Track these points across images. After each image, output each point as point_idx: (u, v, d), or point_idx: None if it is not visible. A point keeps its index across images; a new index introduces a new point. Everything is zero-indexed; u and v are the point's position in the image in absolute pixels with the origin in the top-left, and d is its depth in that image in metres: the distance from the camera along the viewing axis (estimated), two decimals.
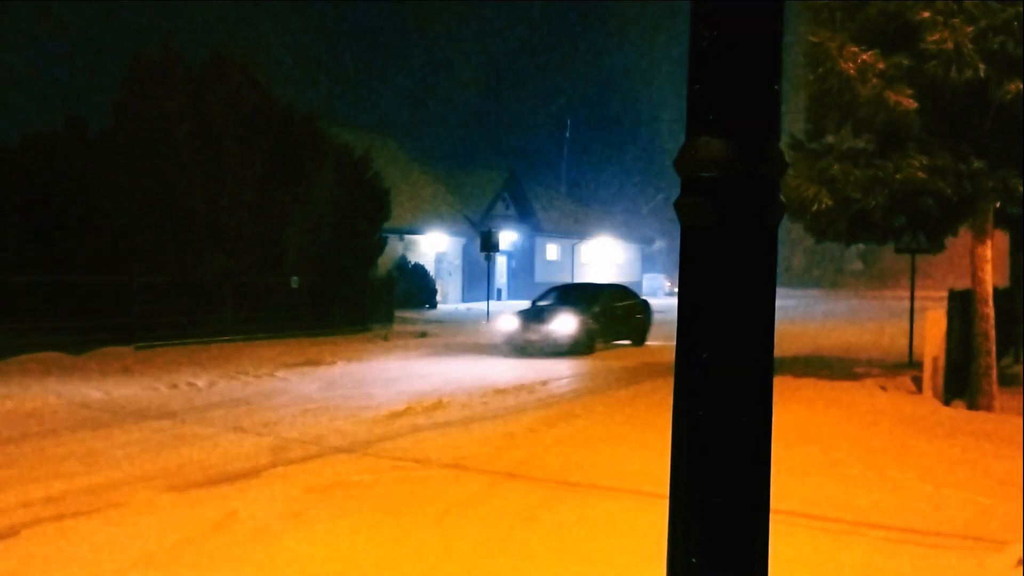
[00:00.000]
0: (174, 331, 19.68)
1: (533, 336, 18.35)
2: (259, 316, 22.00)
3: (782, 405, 9.76)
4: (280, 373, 15.22)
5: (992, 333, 11.67)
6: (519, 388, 13.37)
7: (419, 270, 34.12)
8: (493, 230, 29.70)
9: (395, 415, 10.95)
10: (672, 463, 1.34)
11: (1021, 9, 10.03)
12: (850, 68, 10.73)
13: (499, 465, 7.93)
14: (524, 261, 44.15)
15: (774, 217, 1.31)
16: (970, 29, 10.10)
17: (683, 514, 1.31)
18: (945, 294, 12.99)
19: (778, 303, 1.35)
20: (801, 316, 32.40)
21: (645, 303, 22.27)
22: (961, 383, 12.14)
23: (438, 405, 11.61)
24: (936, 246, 14.79)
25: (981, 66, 10.14)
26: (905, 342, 16.81)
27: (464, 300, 39.59)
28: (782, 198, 1.33)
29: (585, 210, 52.36)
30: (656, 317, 23.03)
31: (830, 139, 12.74)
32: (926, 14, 10.35)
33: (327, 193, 23.19)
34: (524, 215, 44.21)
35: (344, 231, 24.11)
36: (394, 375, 14.99)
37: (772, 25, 1.30)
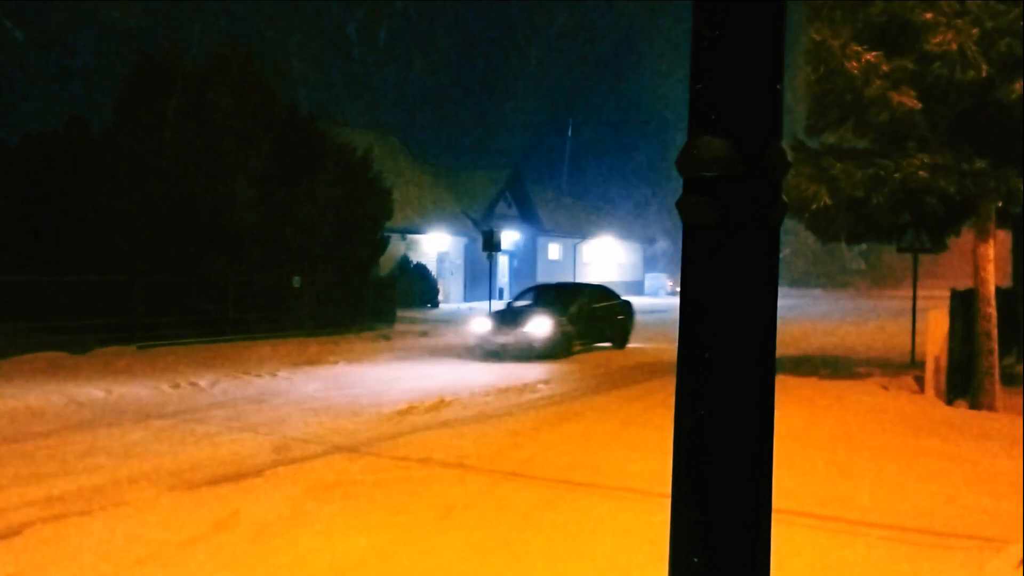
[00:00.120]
0: (176, 331, 19.70)
1: (506, 339, 17.61)
2: (261, 316, 22.02)
3: (784, 405, 9.77)
4: (282, 373, 15.23)
5: (994, 332, 11.66)
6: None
7: (421, 270, 34.13)
8: (495, 229, 29.68)
9: (400, 414, 10.95)
10: (674, 462, 1.34)
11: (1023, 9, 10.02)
12: (854, 67, 10.72)
13: (501, 464, 7.93)
14: (526, 261, 44.15)
15: (776, 217, 1.31)
16: (976, 31, 10.08)
17: (685, 513, 1.31)
18: (947, 294, 12.98)
19: (780, 303, 1.35)
20: (803, 316, 32.39)
21: (627, 304, 21.51)
22: (963, 383, 12.13)
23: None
24: (938, 245, 14.78)
25: (985, 67, 10.12)
26: (907, 342, 16.80)
27: (466, 300, 39.60)
28: (784, 197, 1.33)
29: (587, 210, 52.38)
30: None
31: (831, 138, 12.74)
32: (928, 15, 10.33)
33: (329, 192, 23.19)
34: (526, 215, 44.21)
35: (346, 230, 24.11)
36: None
37: (774, 24, 1.30)
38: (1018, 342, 16.17)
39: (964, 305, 12.36)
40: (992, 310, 11.67)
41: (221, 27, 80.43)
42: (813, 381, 13.03)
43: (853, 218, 12.36)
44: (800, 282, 62.03)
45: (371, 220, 25.35)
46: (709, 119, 1.29)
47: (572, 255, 47.53)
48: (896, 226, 13.62)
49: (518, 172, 45.12)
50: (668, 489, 1.35)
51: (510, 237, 40.55)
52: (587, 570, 5.24)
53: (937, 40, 10.19)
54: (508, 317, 18.31)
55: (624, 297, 22.18)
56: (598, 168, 79.93)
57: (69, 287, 18.51)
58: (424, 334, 23.87)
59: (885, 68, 10.74)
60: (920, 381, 12.80)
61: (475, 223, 39.75)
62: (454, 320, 28.05)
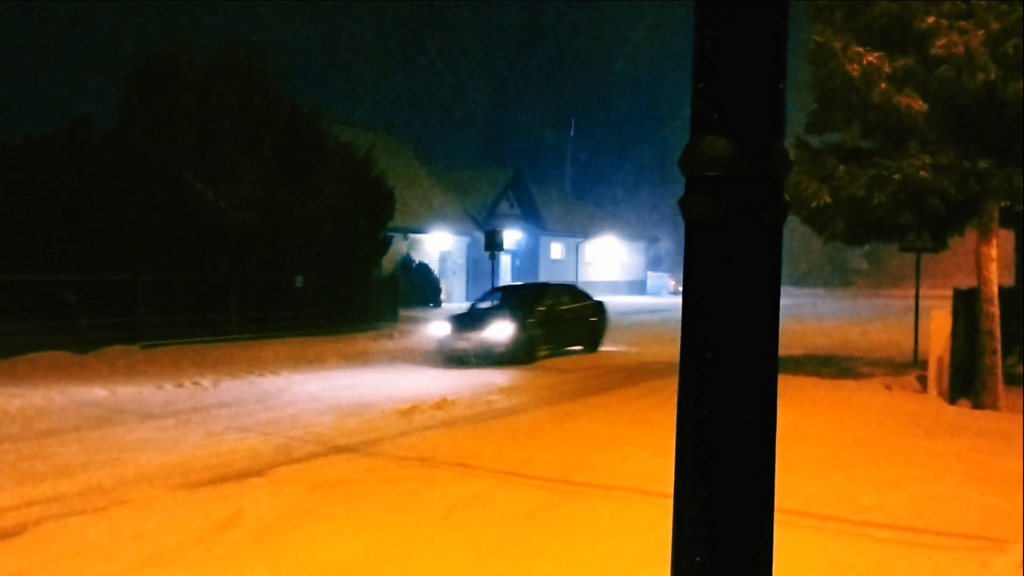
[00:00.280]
0: (179, 330, 19.71)
1: (466, 344, 16.60)
2: (264, 315, 22.03)
3: (787, 404, 9.75)
4: (285, 372, 15.25)
5: (997, 332, 11.65)
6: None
7: (423, 269, 34.13)
8: (497, 229, 29.66)
9: (402, 413, 10.96)
10: (676, 462, 1.34)
11: None
12: (854, 69, 10.70)
13: (503, 464, 7.94)
14: (528, 260, 44.14)
15: (779, 216, 1.31)
16: (981, 32, 10.05)
17: (687, 513, 1.32)
18: (950, 293, 12.97)
19: (783, 302, 1.35)
20: (806, 315, 32.37)
21: (599, 305, 20.36)
22: (966, 382, 12.12)
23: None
24: (941, 245, 14.77)
25: (994, 68, 10.10)
26: (910, 341, 16.79)
27: (468, 299, 39.48)
28: (786, 196, 1.34)
29: (589, 209, 52.35)
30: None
31: (835, 137, 12.73)
32: (930, 19, 10.31)
33: (331, 192, 23.19)
34: (528, 214, 44.20)
35: (348, 230, 24.11)
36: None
37: (777, 24, 1.30)
38: (1021, 341, 16.14)
39: (967, 305, 12.35)
40: (995, 309, 11.66)
41: (222, 26, 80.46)
42: (816, 380, 13.02)
43: (854, 217, 12.35)
44: (803, 281, 61.97)
45: (373, 219, 25.34)
46: (712, 118, 1.29)
47: (575, 254, 47.52)
48: (898, 226, 13.61)
49: (520, 172, 45.09)
50: (668, 489, 1.35)
51: (512, 236, 40.53)
52: (589, 569, 5.24)
53: (943, 43, 10.16)
54: (468, 321, 17.30)
55: (597, 297, 21.23)
56: (600, 167, 79.92)
57: (72, 287, 18.53)
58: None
59: (887, 69, 10.72)
60: (923, 381, 12.79)
61: (477, 222, 39.75)
62: None
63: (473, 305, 19.64)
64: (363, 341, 21.30)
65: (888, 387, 12.79)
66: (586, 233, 48.10)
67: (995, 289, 11.74)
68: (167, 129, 20.20)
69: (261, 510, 6.45)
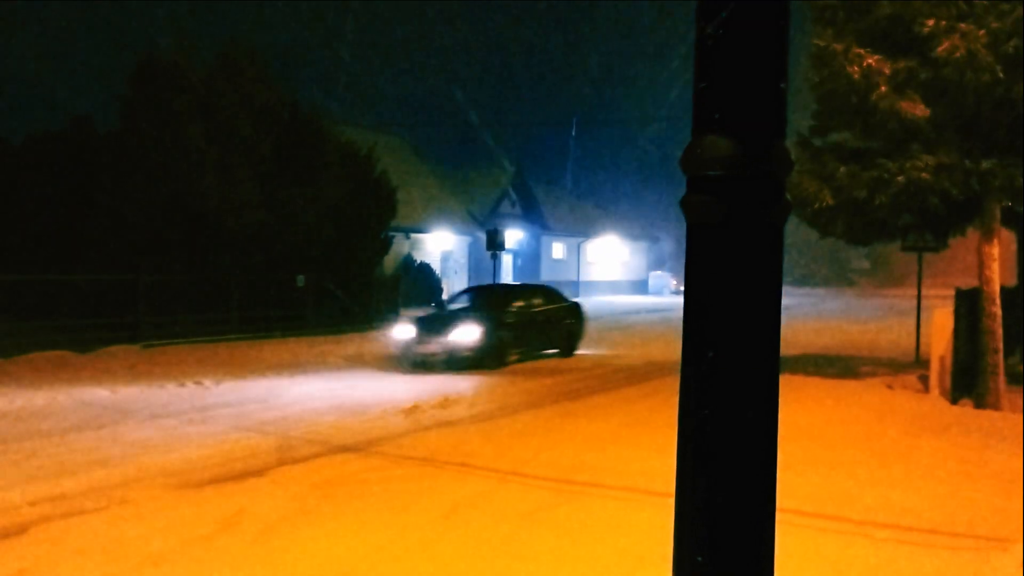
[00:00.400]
0: (180, 330, 19.73)
1: (430, 347, 15.75)
2: (265, 315, 22.04)
3: (788, 403, 9.75)
4: (286, 371, 15.25)
5: (999, 332, 11.64)
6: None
7: (425, 269, 34.12)
8: (499, 228, 29.65)
9: (404, 412, 10.97)
10: (678, 461, 1.34)
11: None
12: (855, 71, 10.69)
13: (504, 463, 7.94)
14: (530, 259, 44.12)
15: (780, 215, 1.31)
16: (982, 33, 10.03)
17: (689, 512, 1.32)
18: (952, 293, 12.96)
19: (784, 302, 1.35)
20: (808, 315, 32.36)
21: (576, 306, 19.57)
22: (968, 382, 12.11)
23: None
24: (942, 245, 14.75)
25: (999, 68, 10.08)
26: (912, 340, 16.78)
27: None
28: (788, 196, 1.34)
29: (591, 208, 52.31)
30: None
31: (837, 137, 12.72)
32: (931, 22, 10.29)
33: (333, 191, 23.20)
34: (530, 213, 44.19)
35: (350, 230, 24.12)
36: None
37: (778, 24, 1.30)
38: (1022, 341, 16.13)
39: (969, 304, 12.34)
40: (997, 309, 11.65)
41: (223, 25, 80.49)
42: (817, 380, 13.01)
43: (855, 218, 12.34)
44: (804, 281, 61.96)
45: (375, 219, 25.35)
46: (713, 118, 1.29)
47: (576, 254, 47.50)
48: (899, 225, 13.60)
49: (522, 171, 45.08)
50: (669, 488, 1.35)
51: (514, 236, 40.54)
52: (590, 569, 5.24)
53: (945, 47, 10.14)
54: (434, 323, 16.41)
55: (573, 299, 20.31)
56: (602, 167, 79.90)
57: (74, 286, 18.55)
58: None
59: (887, 71, 10.71)
60: (925, 380, 12.78)
61: (479, 222, 39.75)
62: None
63: (440, 307, 19.00)
64: (359, 342, 21.29)
65: (890, 387, 12.78)
66: (588, 233, 48.08)
67: (997, 289, 11.73)
68: (169, 129, 20.21)
69: (263, 510, 6.46)
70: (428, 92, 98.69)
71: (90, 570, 5.24)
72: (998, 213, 11.65)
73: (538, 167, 64.22)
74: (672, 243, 61.38)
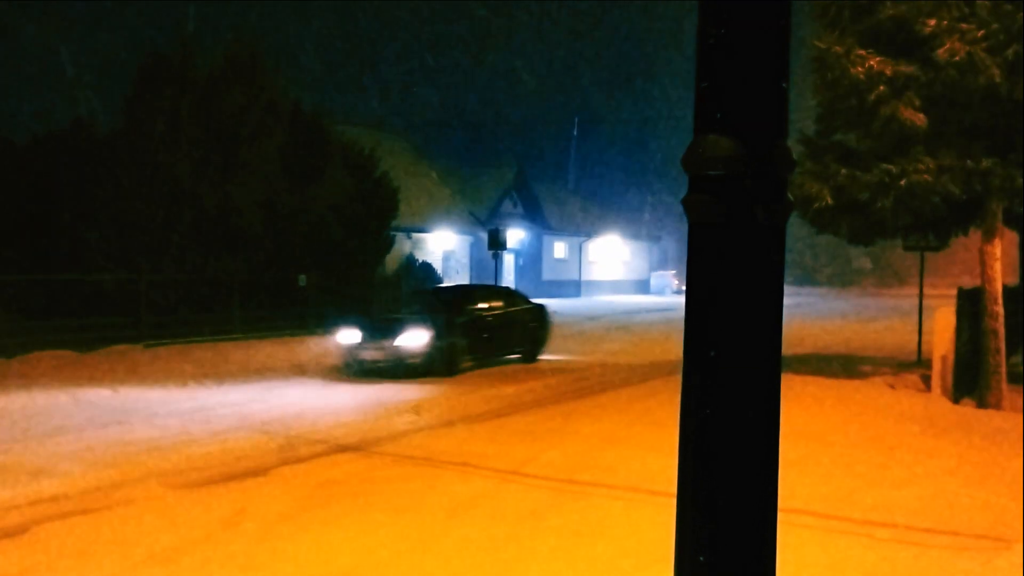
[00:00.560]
0: (183, 329, 19.73)
1: (375, 353, 14.70)
2: (267, 315, 22.04)
3: (790, 403, 9.74)
4: (287, 371, 15.25)
5: (1001, 331, 11.63)
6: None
7: (427, 268, 34.09)
8: (500, 228, 29.61)
9: (403, 413, 10.97)
10: (680, 461, 1.34)
11: None
12: (859, 73, 10.68)
13: (505, 463, 7.94)
14: (532, 259, 44.09)
15: (782, 215, 1.31)
16: (981, 33, 10.02)
17: (691, 512, 1.32)
18: (954, 292, 12.95)
19: (786, 301, 1.35)
20: (809, 314, 32.33)
21: (540, 309, 18.36)
22: (970, 381, 12.10)
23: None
24: (943, 244, 14.74)
25: (996, 72, 10.07)
26: (913, 340, 16.76)
27: None
28: (789, 195, 1.33)
29: (593, 208, 52.26)
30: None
31: (839, 138, 12.72)
32: (932, 22, 10.28)
33: (335, 191, 23.21)
34: (532, 213, 44.16)
35: (352, 229, 24.13)
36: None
37: (779, 23, 1.30)
38: None
39: (971, 304, 12.33)
40: (999, 308, 11.64)
41: (223, 25, 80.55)
42: (819, 379, 13.00)
43: (857, 218, 12.33)
44: (806, 280, 61.89)
45: (377, 219, 25.35)
46: (715, 118, 1.29)
47: (578, 253, 47.48)
48: (901, 225, 13.58)
49: (523, 171, 45.07)
50: (671, 488, 1.35)
51: (515, 236, 40.51)
52: (592, 568, 5.24)
53: (946, 49, 10.12)
54: (380, 327, 15.31)
55: (537, 301, 19.35)
56: (604, 166, 79.87)
57: (77, 286, 18.56)
58: None
59: (889, 72, 10.70)
60: (926, 380, 12.77)
61: (481, 222, 39.73)
62: None
63: (390, 309, 17.61)
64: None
65: (891, 386, 12.77)
66: (589, 232, 48.05)
67: (999, 288, 11.73)
68: (172, 129, 20.22)
69: (265, 510, 6.46)
70: (429, 91, 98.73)
71: (91, 570, 5.24)
72: (1000, 213, 11.65)
73: (540, 166, 64.18)
74: (674, 243, 61.34)
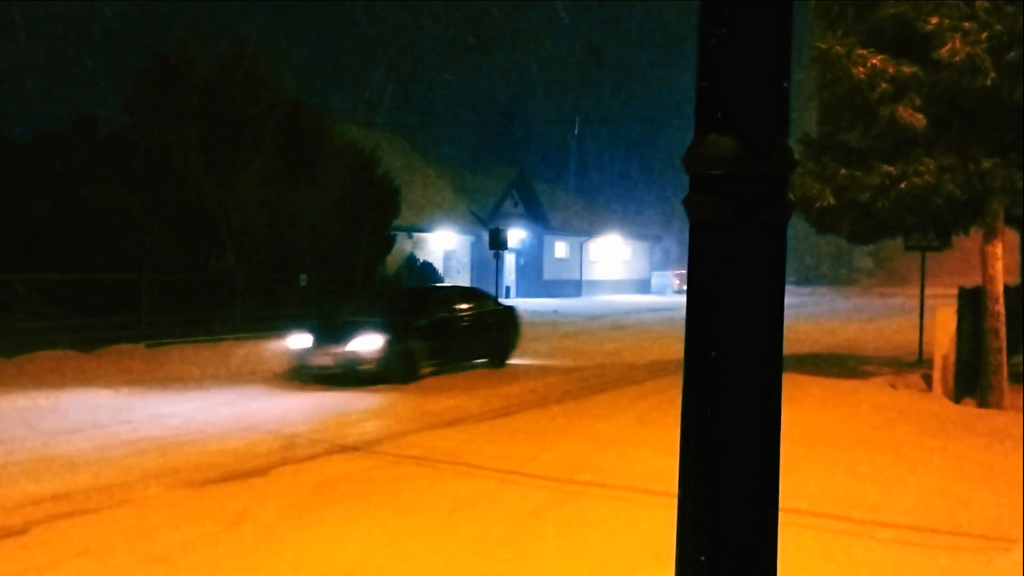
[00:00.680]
0: (184, 329, 19.73)
1: (326, 359, 13.80)
2: (268, 314, 22.04)
3: (791, 403, 9.71)
4: (289, 371, 15.24)
5: (1002, 331, 11.63)
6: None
7: (428, 268, 34.11)
8: (502, 228, 29.62)
9: (402, 413, 10.98)
10: (681, 461, 1.34)
11: None
12: (860, 72, 10.68)
13: (505, 463, 7.94)
14: (533, 259, 44.11)
15: (783, 215, 1.31)
16: (985, 35, 10.01)
17: (692, 512, 1.31)
18: (955, 292, 12.95)
19: (787, 301, 1.35)
20: (810, 314, 32.33)
21: (509, 310, 17.41)
22: (971, 381, 12.10)
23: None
24: (945, 244, 14.74)
25: (992, 74, 10.07)
26: (915, 340, 16.76)
27: None
28: (791, 195, 1.33)
29: (594, 207, 52.30)
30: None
31: (840, 137, 12.72)
32: (934, 20, 10.28)
33: (336, 191, 23.21)
34: (533, 213, 44.17)
35: (353, 229, 24.14)
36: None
37: (780, 23, 1.30)
38: None
39: (972, 303, 12.33)
40: (1000, 308, 11.64)
41: (225, 24, 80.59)
42: (820, 379, 13.00)
43: (859, 217, 12.33)
44: (807, 280, 61.89)
45: (378, 218, 25.36)
46: (716, 117, 1.29)
47: (579, 253, 47.50)
48: (902, 226, 13.58)
49: (524, 170, 45.10)
50: (672, 488, 1.35)
51: (516, 235, 40.53)
52: (593, 568, 5.24)
53: (947, 49, 10.12)
54: (332, 331, 14.40)
55: (506, 302, 18.37)
56: (605, 166, 79.88)
57: (78, 285, 18.57)
58: None
59: (891, 71, 10.70)
60: (928, 379, 12.77)
61: (482, 221, 39.75)
62: None
63: (343, 312, 16.89)
64: None
65: (893, 386, 12.77)
66: (590, 232, 48.07)
67: (1000, 288, 11.73)
68: (173, 128, 20.23)
69: (266, 509, 6.46)
70: (431, 91, 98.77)
71: (92, 570, 5.24)
72: (1001, 213, 11.65)
73: (541, 166, 64.25)
74: (675, 242, 61.34)
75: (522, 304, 36.82)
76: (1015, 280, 16.63)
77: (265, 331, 21.12)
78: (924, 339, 15.77)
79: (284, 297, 22.73)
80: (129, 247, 19.52)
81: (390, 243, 26.67)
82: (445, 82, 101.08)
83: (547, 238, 44.96)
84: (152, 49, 22.33)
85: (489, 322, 16.50)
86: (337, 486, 7.17)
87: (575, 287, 46.44)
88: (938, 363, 12.35)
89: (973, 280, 12.67)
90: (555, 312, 32.86)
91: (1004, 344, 11.65)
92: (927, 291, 17.16)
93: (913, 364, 15.22)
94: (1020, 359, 13.86)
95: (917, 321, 16.97)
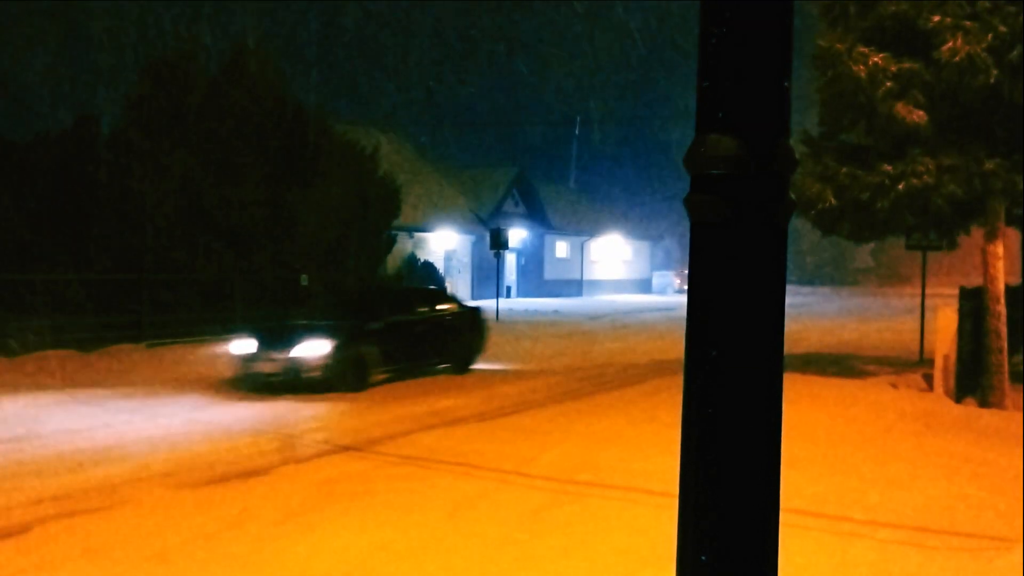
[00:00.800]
0: (185, 329, 19.74)
1: (269, 365, 12.81)
2: (269, 314, 22.03)
3: (792, 403, 9.70)
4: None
5: (1003, 330, 11.63)
6: None
7: (428, 268, 34.11)
8: (502, 227, 29.68)
9: (402, 413, 10.97)
10: (682, 461, 1.34)
11: None
12: (861, 71, 10.68)
13: (506, 463, 7.93)
14: (534, 258, 44.11)
15: (784, 215, 1.31)
16: (989, 36, 10.00)
17: (693, 512, 1.31)
18: (956, 291, 12.94)
19: (788, 300, 1.35)
20: (811, 313, 32.32)
21: (473, 312, 16.55)
22: (972, 381, 12.10)
23: None
24: (951, 243, 14.74)
25: (994, 72, 10.06)
26: (916, 339, 16.75)
27: (473, 298, 39.58)
28: (791, 195, 1.33)
29: (595, 207, 52.29)
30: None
31: (842, 136, 12.71)
32: (936, 18, 10.27)
33: (337, 191, 23.22)
34: (533, 212, 44.17)
35: (354, 229, 24.15)
36: None
37: (782, 22, 1.30)
38: None
39: (973, 303, 12.33)
40: (1001, 308, 11.64)
41: (226, 24, 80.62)
42: (821, 379, 12.99)
43: (861, 217, 12.33)
44: (808, 279, 61.89)
45: (379, 218, 25.38)
46: (716, 117, 1.29)
47: (580, 253, 47.51)
48: (904, 225, 13.59)
49: (525, 170, 45.11)
50: (672, 488, 1.35)
51: (517, 235, 40.55)
52: (593, 568, 5.24)
53: (948, 47, 10.12)
54: (278, 335, 13.46)
55: (472, 303, 17.67)
56: (606, 165, 79.90)
57: (79, 285, 18.58)
58: None
59: (893, 70, 10.70)
60: (929, 379, 12.76)
61: (483, 221, 39.75)
62: None
63: (291, 314, 15.92)
64: None
65: (894, 386, 12.76)
66: (591, 231, 48.08)
67: (1002, 287, 11.73)
68: (175, 129, 20.24)
69: (267, 509, 6.46)
70: (432, 91, 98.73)
71: (93, 569, 5.25)
72: (1002, 213, 11.65)
73: (542, 166, 64.29)
74: (676, 242, 61.32)
75: (523, 304, 37.07)
76: (1016, 280, 16.62)
77: None
78: (925, 339, 15.76)
79: (285, 297, 22.73)
80: (130, 247, 19.53)
81: (391, 243, 26.68)
82: (445, 82, 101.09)
83: (548, 238, 44.96)
84: (154, 49, 22.28)
85: (451, 325, 15.65)
86: (339, 486, 7.17)
87: (576, 287, 46.44)
88: (939, 363, 12.35)
89: (974, 280, 12.67)
90: (556, 312, 32.89)
91: (1005, 344, 11.65)
92: (928, 291, 17.15)
93: (914, 364, 15.21)
94: (1021, 359, 13.85)
95: (918, 321, 16.97)
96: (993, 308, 11.65)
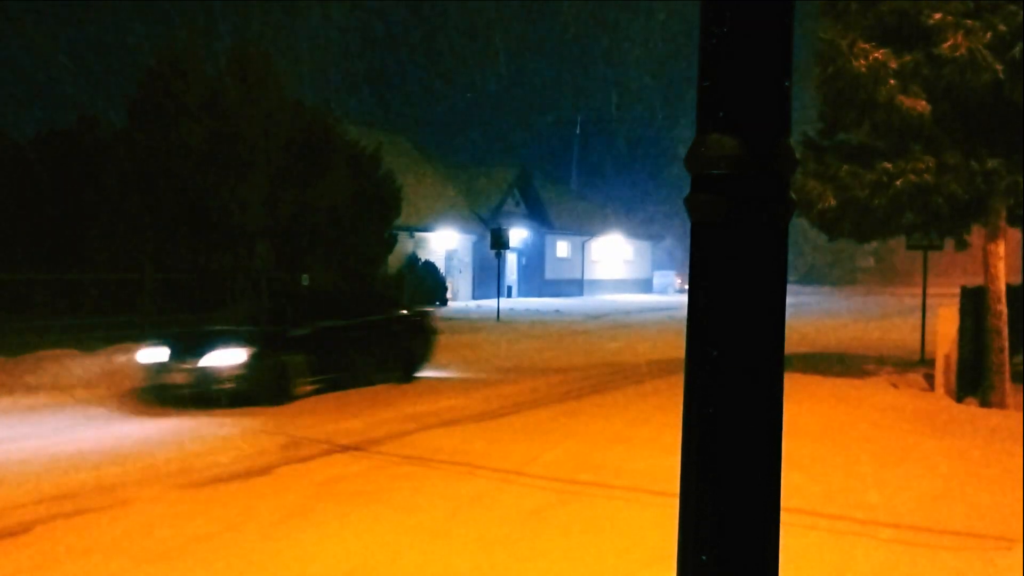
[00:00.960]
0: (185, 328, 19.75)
1: (179, 376, 11.63)
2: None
3: (792, 402, 9.66)
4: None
5: (1005, 330, 11.62)
6: None
7: (429, 267, 34.14)
8: (503, 227, 29.66)
9: (402, 412, 10.97)
10: (682, 461, 1.33)
11: None
12: (861, 66, 10.67)
13: (507, 463, 7.94)
14: (534, 258, 44.10)
15: (784, 214, 1.31)
16: (989, 35, 10.00)
17: (693, 512, 1.31)
18: (957, 291, 12.93)
19: (789, 300, 1.34)
20: (812, 313, 32.31)
21: (419, 318, 15.41)
22: (973, 380, 12.09)
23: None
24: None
25: (999, 67, 10.05)
26: (917, 339, 16.74)
27: (474, 297, 39.61)
28: (792, 195, 1.33)
29: (595, 207, 52.28)
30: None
31: (842, 136, 12.70)
32: (937, 15, 10.27)
33: (338, 191, 23.22)
34: (534, 212, 44.17)
35: (355, 229, 24.15)
36: None
37: (782, 21, 1.30)
38: None
39: (974, 303, 12.32)
40: (1002, 307, 11.63)
41: (227, 23, 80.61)
42: (822, 379, 12.99)
43: (862, 216, 12.32)
44: (809, 279, 61.86)
45: (380, 218, 25.38)
46: (717, 116, 1.29)
47: (581, 253, 47.50)
48: (905, 224, 13.57)
49: (526, 170, 45.10)
50: (673, 488, 1.35)
51: (518, 235, 40.53)
52: (594, 568, 5.24)
53: (948, 44, 10.11)
54: (191, 342, 12.17)
55: (423, 307, 16.63)
56: (607, 165, 79.86)
57: (81, 284, 18.59)
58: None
59: (893, 65, 10.69)
60: (930, 379, 12.75)
61: (483, 221, 39.74)
62: (463, 318, 28.08)
63: (207, 320, 14.80)
64: None
65: (895, 385, 12.76)
66: (592, 231, 48.06)
67: (1003, 287, 11.72)
68: (176, 128, 20.25)
69: (267, 509, 6.46)
70: (433, 91, 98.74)
71: (93, 569, 5.25)
72: (1003, 212, 11.64)
73: (543, 166, 64.25)
74: (677, 242, 61.29)
75: (524, 304, 37.07)
76: (1017, 280, 16.61)
77: None
78: (926, 338, 15.75)
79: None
80: (131, 246, 19.54)
81: (392, 242, 26.69)
82: (446, 81, 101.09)
83: (549, 237, 44.95)
84: (156, 49, 22.31)
85: (392, 331, 14.43)
86: (340, 485, 7.17)
87: (577, 286, 46.44)
88: (940, 362, 12.34)
89: (975, 279, 12.66)
90: (557, 311, 32.89)
91: (1006, 343, 11.64)
92: (929, 290, 17.13)
93: (915, 363, 15.21)
94: (1022, 359, 13.84)
95: (919, 320, 16.95)
96: (994, 308, 11.64)
